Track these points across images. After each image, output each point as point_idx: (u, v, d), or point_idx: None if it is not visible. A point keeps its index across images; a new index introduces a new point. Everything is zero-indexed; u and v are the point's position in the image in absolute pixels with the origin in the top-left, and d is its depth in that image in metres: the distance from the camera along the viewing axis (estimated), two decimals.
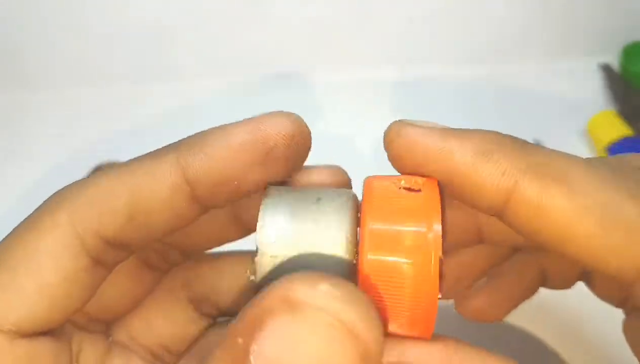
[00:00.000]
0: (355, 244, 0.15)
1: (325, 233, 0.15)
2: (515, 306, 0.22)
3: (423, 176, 0.16)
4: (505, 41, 0.45)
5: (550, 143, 0.38)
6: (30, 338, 0.15)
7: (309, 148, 0.17)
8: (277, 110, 0.17)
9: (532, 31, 0.44)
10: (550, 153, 0.15)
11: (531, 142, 0.18)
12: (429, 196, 0.15)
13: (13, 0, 0.41)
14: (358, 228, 0.15)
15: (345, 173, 0.19)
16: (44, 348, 0.16)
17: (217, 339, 0.20)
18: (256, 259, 0.15)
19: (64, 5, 0.41)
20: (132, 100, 0.44)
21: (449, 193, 0.16)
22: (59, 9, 0.41)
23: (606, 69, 0.43)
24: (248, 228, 0.20)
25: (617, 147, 0.36)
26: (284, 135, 0.16)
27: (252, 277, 0.15)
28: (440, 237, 0.14)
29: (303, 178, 0.18)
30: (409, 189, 0.15)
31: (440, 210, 0.14)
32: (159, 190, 0.15)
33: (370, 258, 0.14)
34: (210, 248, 0.21)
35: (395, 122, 0.17)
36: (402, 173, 0.16)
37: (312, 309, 0.12)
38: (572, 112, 0.41)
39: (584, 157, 0.15)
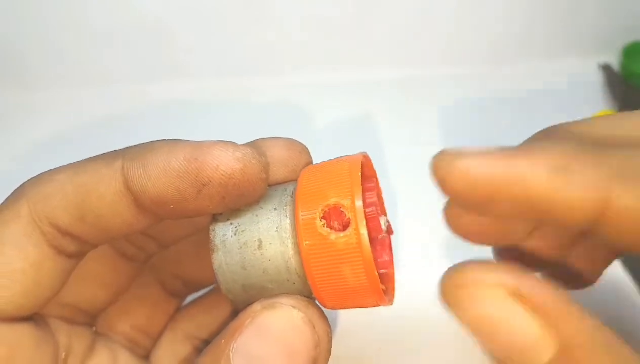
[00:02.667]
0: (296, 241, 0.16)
1: (276, 277, 0.16)
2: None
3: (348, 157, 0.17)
4: (505, 41, 0.45)
5: None
6: (10, 324, 0.16)
7: (257, 187, 0.16)
8: (227, 142, 0.15)
9: (532, 31, 0.44)
10: (627, 150, 0.13)
11: None
12: (352, 174, 0.16)
13: (13, 0, 0.41)
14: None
15: (300, 143, 0.19)
16: (24, 334, 0.16)
17: None
18: (228, 296, 0.17)
19: (64, 5, 0.41)
20: (132, 100, 0.44)
21: (529, 216, 0.14)
22: (59, 9, 0.41)
23: (606, 69, 0.43)
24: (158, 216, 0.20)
25: None
26: (221, 173, 0.15)
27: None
28: (362, 211, 0.15)
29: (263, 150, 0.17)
30: (337, 162, 0.16)
31: (360, 185, 0.15)
32: (104, 194, 0.16)
33: (307, 244, 0.16)
34: (185, 237, 0.22)
35: (442, 153, 0.14)
36: (465, 208, 0.15)
37: (288, 306, 0.16)
38: (572, 111, 0.41)
39: None
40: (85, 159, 0.17)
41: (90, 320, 0.20)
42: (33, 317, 0.17)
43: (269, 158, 0.17)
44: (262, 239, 0.16)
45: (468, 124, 0.41)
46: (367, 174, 0.19)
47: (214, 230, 0.17)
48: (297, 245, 0.16)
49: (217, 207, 0.16)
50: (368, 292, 0.16)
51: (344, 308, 0.17)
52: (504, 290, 0.13)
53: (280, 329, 0.15)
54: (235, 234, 0.17)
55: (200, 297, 0.24)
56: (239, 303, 0.17)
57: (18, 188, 0.17)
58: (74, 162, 0.17)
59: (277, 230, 0.16)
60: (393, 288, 0.18)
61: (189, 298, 0.24)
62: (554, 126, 0.17)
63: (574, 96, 0.43)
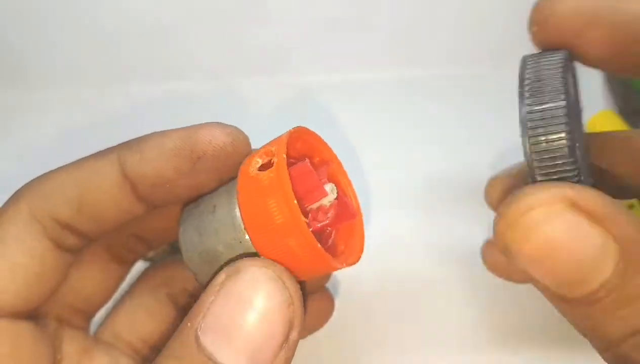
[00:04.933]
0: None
1: (224, 237, 0.17)
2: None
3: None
4: (505, 41, 0.45)
5: None
6: (13, 320, 0.17)
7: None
8: (215, 122, 0.17)
9: None
10: None
11: None
12: (283, 135, 0.17)
13: (13, 0, 0.41)
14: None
15: (239, 132, 0.19)
16: (24, 331, 0.17)
17: None
18: (189, 267, 0.18)
19: (64, 5, 0.41)
20: (132, 100, 0.44)
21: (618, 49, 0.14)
22: (59, 9, 0.41)
23: None
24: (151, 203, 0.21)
25: None
26: (214, 146, 0.17)
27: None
28: (284, 147, 0.16)
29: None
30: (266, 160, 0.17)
31: (286, 138, 0.16)
32: (102, 184, 0.17)
33: (239, 187, 0.16)
34: (173, 239, 0.22)
35: None
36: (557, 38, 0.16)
37: (257, 267, 0.15)
38: None
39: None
40: (82, 157, 0.18)
41: (85, 323, 0.21)
42: (32, 316, 0.18)
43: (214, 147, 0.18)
44: (216, 204, 0.17)
45: (468, 124, 0.41)
46: (325, 158, 0.20)
47: (183, 208, 0.18)
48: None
49: (212, 180, 0.17)
50: (295, 230, 0.15)
51: (288, 265, 0.17)
52: (562, 203, 0.13)
53: (249, 293, 0.15)
54: (197, 206, 0.18)
55: None
56: (199, 275, 0.18)
57: (17, 191, 0.18)
58: (72, 162, 0.18)
59: (227, 194, 0.17)
60: (355, 250, 0.19)
61: None
62: None
63: None
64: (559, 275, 0.13)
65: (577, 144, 0.13)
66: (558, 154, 0.13)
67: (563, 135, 0.13)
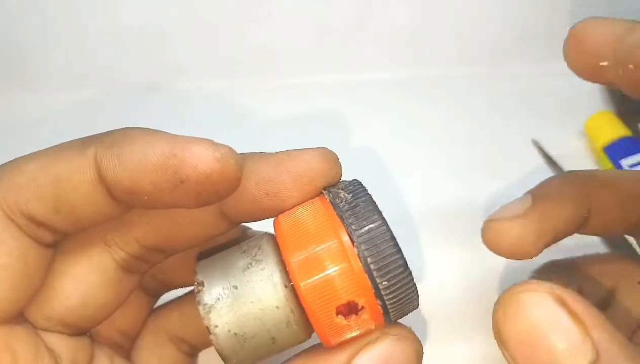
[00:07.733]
0: (290, 285, 0.17)
1: (264, 298, 0.17)
2: (549, 242, 0.21)
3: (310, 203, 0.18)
4: (504, 41, 0.45)
5: (548, 143, 0.38)
6: (9, 325, 0.16)
7: (232, 186, 0.15)
8: (206, 140, 0.15)
9: (532, 31, 0.44)
10: None
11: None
12: (328, 215, 0.17)
13: (14, 0, 0.41)
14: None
15: (333, 153, 0.19)
16: (17, 335, 0.16)
17: None
18: (214, 341, 0.17)
19: (64, 5, 0.41)
20: (131, 101, 0.44)
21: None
22: (59, 10, 0.41)
23: None
24: (233, 221, 0.19)
25: (615, 147, 0.36)
26: (200, 173, 0.15)
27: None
28: (351, 244, 0.16)
29: (293, 162, 0.18)
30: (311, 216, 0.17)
31: (341, 223, 0.16)
32: (79, 185, 0.15)
33: (304, 284, 0.16)
34: (195, 246, 0.21)
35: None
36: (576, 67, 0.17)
37: (410, 338, 0.16)
38: (570, 111, 0.41)
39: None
40: (56, 146, 0.16)
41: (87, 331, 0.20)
42: (22, 320, 0.17)
43: (309, 170, 0.18)
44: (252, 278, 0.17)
45: (467, 124, 0.41)
46: None
47: (196, 268, 0.18)
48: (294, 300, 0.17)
49: (192, 202, 0.16)
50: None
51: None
52: (551, 296, 0.14)
53: (401, 356, 0.15)
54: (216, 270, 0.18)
55: (182, 297, 0.23)
56: (224, 348, 0.17)
57: None
58: (43, 150, 0.16)
59: (282, 297, 0.17)
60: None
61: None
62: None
63: (573, 96, 0.43)
64: (537, 359, 0.14)
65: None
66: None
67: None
